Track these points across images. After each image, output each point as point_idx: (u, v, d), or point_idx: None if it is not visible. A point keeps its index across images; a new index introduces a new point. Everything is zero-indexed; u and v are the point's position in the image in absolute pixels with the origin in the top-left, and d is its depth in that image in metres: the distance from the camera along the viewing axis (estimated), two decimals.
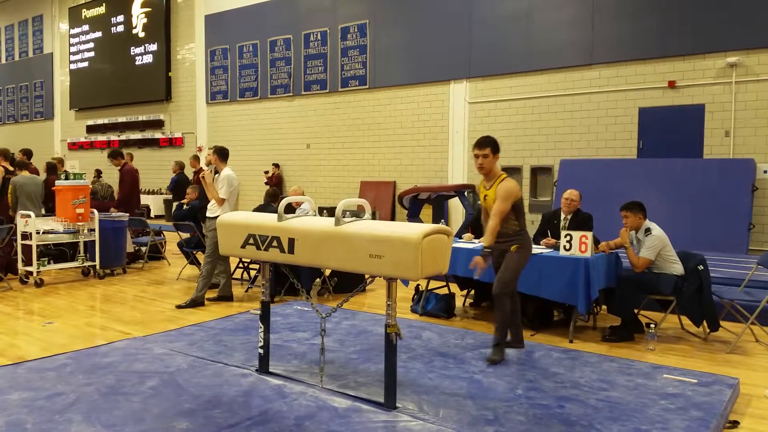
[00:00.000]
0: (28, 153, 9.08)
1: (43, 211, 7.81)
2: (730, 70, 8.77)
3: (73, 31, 19.42)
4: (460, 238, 5.92)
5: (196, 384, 3.59)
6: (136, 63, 17.46)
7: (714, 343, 4.93)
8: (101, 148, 18.44)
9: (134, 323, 5.45)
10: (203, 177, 6.23)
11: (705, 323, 4.95)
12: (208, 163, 6.39)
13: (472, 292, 6.27)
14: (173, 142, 16.64)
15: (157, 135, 17.07)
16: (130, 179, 8.90)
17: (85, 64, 19.10)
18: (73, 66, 19.49)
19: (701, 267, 4.89)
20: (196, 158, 10.91)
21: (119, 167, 8.82)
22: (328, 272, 6.79)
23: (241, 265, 7.38)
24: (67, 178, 7.32)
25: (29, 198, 7.54)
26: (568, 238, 4.97)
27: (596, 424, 3.11)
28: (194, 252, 7.75)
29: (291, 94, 14.07)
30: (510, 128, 10.81)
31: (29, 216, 6.96)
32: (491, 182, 4.27)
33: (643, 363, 4.19)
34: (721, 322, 5.02)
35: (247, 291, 6.93)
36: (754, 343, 4.96)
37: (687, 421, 3.15)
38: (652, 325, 4.81)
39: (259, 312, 3.76)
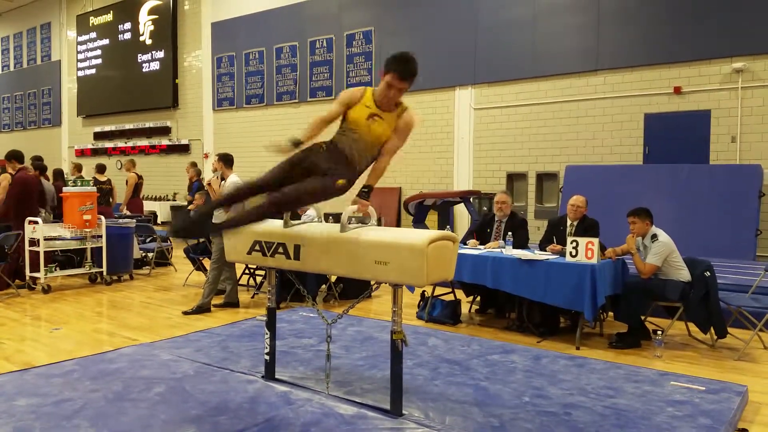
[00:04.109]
0: (38, 159, 9.16)
1: (51, 217, 7.85)
2: (736, 76, 8.75)
3: (80, 39, 19.57)
4: (466, 244, 5.92)
5: (203, 390, 3.60)
6: (143, 70, 17.57)
7: (722, 350, 4.90)
8: (109, 154, 18.55)
9: (141, 329, 5.47)
10: (209, 184, 6.28)
11: (712, 330, 4.93)
12: (214, 170, 6.43)
13: (478, 298, 6.26)
14: (180, 149, 16.73)
15: (164, 141, 17.15)
16: (19, 188, 7.36)
17: (93, 71, 19.23)
18: (80, 73, 19.63)
19: (708, 273, 4.87)
20: (194, 165, 10.89)
21: (13, 172, 7.45)
22: (333, 278, 6.79)
23: (247, 271, 7.40)
24: (75, 185, 7.37)
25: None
26: (575, 244, 4.96)
27: None
28: (201, 258, 7.77)
29: (297, 100, 14.12)
30: (515, 134, 10.80)
31: (37, 222, 7.01)
32: (393, 108, 3.58)
33: (650, 370, 4.17)
34: (729, 329, 4.99)
35: (253, 297, 6.94)
36: (762, 350, 4.93)
37: (695, 428, 3.14)
38: (659, 332, 4.79)
39: (265, 318, 3.77)
